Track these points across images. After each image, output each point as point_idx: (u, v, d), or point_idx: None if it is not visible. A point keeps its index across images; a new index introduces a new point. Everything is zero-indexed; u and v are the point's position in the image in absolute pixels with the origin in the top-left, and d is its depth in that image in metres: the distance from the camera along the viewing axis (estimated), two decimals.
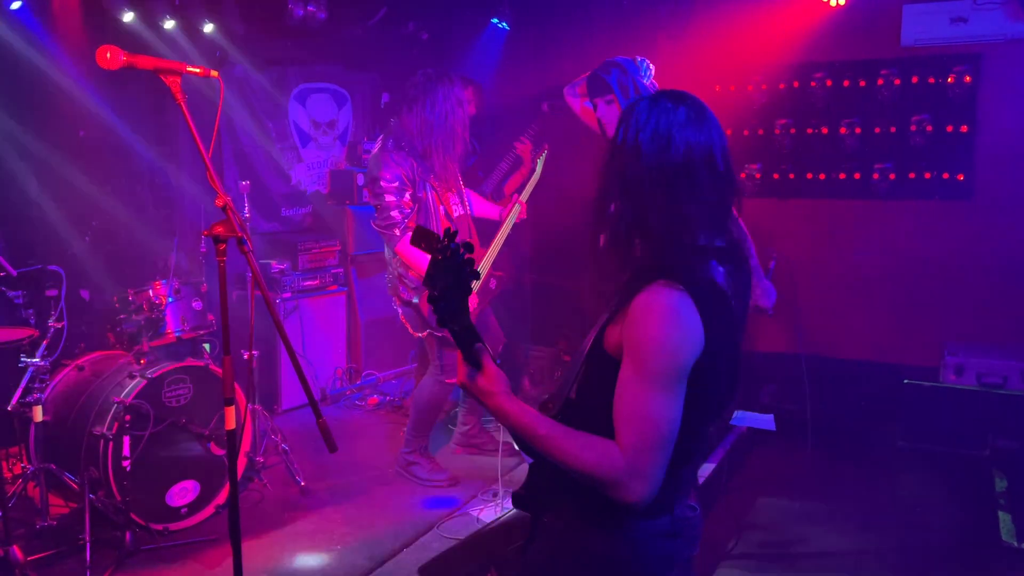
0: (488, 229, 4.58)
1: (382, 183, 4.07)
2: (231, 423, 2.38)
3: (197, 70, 2.28)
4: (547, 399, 1.88)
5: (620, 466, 1.59)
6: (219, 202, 2.25)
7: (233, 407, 2.38)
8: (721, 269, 1.73)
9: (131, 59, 2.18)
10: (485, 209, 4.65)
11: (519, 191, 4.65)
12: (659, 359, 1.60)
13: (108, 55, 2.13)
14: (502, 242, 4.46)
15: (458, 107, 4.20)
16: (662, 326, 1.61)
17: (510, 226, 4.50)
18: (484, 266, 4.37)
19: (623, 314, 1.68)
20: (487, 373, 1.71)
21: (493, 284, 4.55)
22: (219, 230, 2.26)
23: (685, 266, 1.68)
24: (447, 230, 1.60)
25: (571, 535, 1.78)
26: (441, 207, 4.23)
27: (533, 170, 4.70)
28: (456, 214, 4.34)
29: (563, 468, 1.65)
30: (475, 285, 1.71)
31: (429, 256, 1.62)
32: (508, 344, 4.95)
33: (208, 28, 5.18)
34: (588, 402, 1.77)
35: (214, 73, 2.31)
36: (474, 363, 1.70)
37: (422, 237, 1.67)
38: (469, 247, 1.63)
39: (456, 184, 4.40)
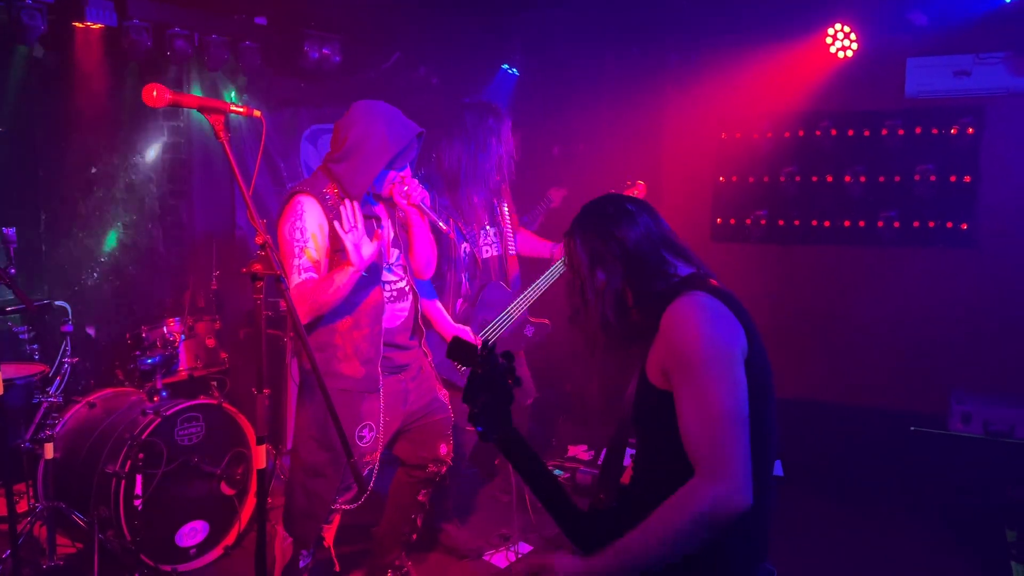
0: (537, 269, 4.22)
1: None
2: (262, 462, 2.36)
3: (241, 109, 2.30)
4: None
5: (705, 485, 1.54)
6: (259, 240, 2.25)
7: (265, 446, 2.35)
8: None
9: (176, 97, 2.18)
10: (535, 247, 4.38)
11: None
12: (709, 347, 1.62)
13: (155, 93, 2.13)
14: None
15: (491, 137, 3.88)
16: (702, 321, 1.65)
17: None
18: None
19: (657, 339, 1.72)
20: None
21: (530, 332, 4.23)
22: (257, 267, 2.26)
23: (694, 281, 1.78)
24: (485, 342, 1.51)
25: None
26: (464, 247, 3.92)
27: None
28: (485, 255, 4.04)
29: (678, 551, 1.57)
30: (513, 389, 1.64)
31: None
32: (539, 398, 4.58)
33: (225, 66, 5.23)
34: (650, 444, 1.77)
35: (257, 113, 2.33)
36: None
37: (458, 350, 1.59)
38: (509, 356, 1.56)
39: (491, 221, 4.09)
